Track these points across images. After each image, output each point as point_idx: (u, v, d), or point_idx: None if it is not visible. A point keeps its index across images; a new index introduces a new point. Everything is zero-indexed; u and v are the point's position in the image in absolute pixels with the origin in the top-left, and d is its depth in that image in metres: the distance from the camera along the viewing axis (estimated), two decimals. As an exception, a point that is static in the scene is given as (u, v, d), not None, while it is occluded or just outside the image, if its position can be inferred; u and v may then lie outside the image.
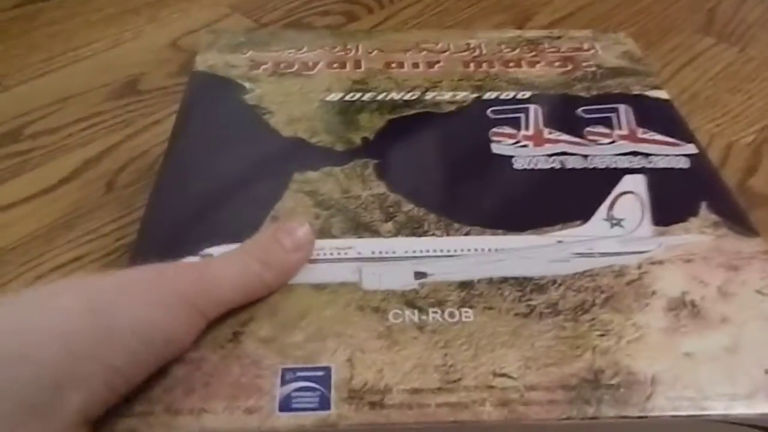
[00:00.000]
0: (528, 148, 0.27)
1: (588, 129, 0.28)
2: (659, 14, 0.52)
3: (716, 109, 0.42)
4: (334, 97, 0.29)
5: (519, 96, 0.30)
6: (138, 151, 0.37)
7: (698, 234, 0.23)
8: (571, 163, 0.26)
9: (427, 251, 0.22)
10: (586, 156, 0.26)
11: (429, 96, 0.29)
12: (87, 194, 0.35)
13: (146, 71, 0.44)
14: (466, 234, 0.23)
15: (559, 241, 0.23)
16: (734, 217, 0.24)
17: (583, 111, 0.29)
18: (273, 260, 0.20)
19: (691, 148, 0.27)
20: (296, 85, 0.30)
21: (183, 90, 0.30)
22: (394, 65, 0.31)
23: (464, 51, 0.33)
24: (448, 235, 0.23)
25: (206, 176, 0.25)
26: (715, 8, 0.52)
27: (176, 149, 0.27)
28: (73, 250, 0.31)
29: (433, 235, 0.23)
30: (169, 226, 0.23)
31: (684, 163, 0.26)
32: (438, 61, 0.32)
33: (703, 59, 0.47)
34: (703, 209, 0.24)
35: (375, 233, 0.23)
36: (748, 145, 0.39)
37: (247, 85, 0.30)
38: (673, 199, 0.24)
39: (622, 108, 0.29)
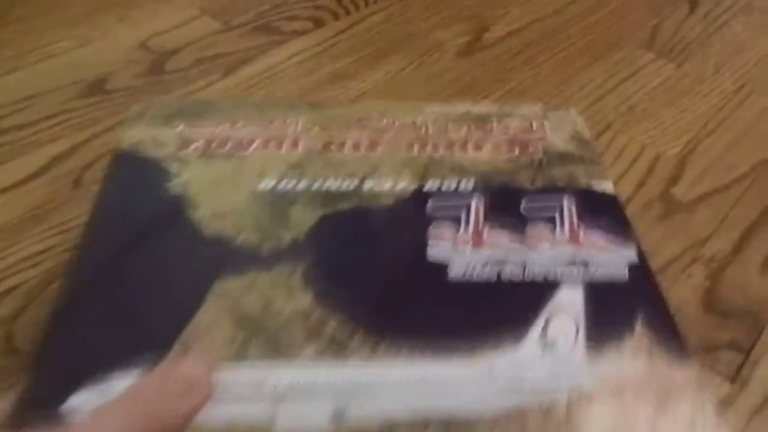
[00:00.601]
0: (466, 252, 0.26)
1: (530, 226, 0.27)
2: (608, 28, 0.54)
3: (650, 122, 0.44)
4: (267, 184, 0.28)
5: (462, 186, 0.28)
6: (105, 149, 0.38)
7: (631, 359, 0.22)
8: (509, 271, 0.25)
9: (349, 382, 0.21)
10: (524, 264, 0.25)
11: (367, 185, 0.28)
12: (55, 189, 0.35)
13: (114, 71, 0.45)
14: (393, 358, 0.22)
15: (490, 369, 0.22)
16: (669, 337, 0.23)
17: (527, 204, 0.28)
18: (160, 411, 0.19)
19: (632, 251, 0.26)
20: (227, 169, 0.28)
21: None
22: (333, 146, 0.30)
23: (410, 128, 0.31)
24: (373, 357, 0.22)
25: (118, 285, 0.23)
26: (659, 25, 0.55)
27: (88, 251, 0.25)
28: (40, 242, 0.32)
29: (356, 360, 0.22)
30: (72, 351, 0.21)
31: (623, 273, 0.25)
32: (380, 142, 0.30)
33: (644, 73, 0.49)
34: (639, 328, 0.23)
35: (294, 358, 0.21)
36: (674, 156, 0.41)
37: (173, 168, 0.28)
38: (610, 315, 0.24)
39: (566, 203, 0.28)
